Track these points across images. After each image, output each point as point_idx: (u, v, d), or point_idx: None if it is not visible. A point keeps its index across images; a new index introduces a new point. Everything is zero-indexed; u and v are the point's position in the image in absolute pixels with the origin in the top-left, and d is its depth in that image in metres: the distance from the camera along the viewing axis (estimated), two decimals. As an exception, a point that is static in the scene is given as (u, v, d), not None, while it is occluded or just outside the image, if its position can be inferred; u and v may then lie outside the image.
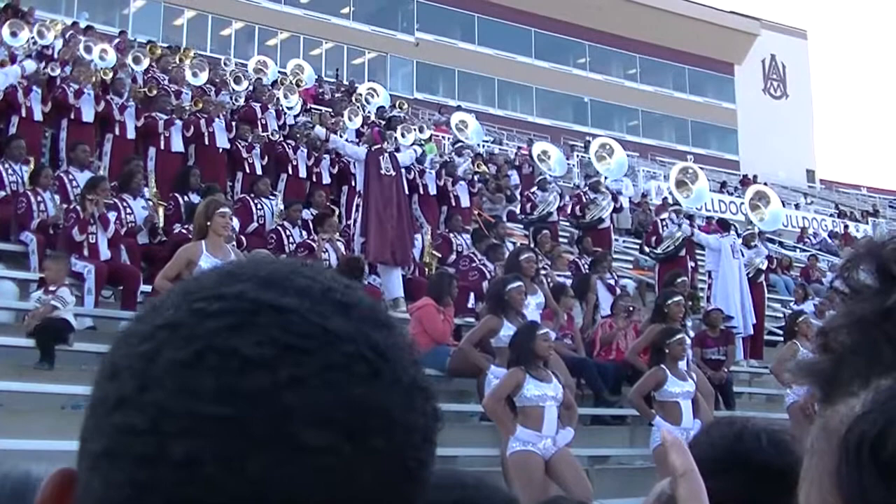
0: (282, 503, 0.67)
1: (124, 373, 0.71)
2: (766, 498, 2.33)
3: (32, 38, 14.68)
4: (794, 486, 2.50)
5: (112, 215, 10.71)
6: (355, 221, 12.94)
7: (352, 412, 0.69)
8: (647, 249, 16.12)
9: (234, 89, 17.88)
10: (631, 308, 12.39)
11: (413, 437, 0.72)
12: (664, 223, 15.73)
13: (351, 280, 0.79)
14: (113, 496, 0.68)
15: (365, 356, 0.71)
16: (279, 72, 20.20)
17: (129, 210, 11.64)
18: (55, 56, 15.24)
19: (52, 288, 9.04)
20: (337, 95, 22.97)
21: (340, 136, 17.22)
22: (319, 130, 15.34)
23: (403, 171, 14.90)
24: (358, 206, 13.06)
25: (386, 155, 13.16)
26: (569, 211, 18.66)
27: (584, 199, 17.62)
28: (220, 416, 0.67)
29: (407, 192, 13.93)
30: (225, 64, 19.72)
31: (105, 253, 10.48)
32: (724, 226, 16.30)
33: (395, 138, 14.78)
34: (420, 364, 0.76)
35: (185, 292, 0.74)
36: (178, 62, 17.75)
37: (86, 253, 10.27)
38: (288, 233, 12.72)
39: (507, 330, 8.74)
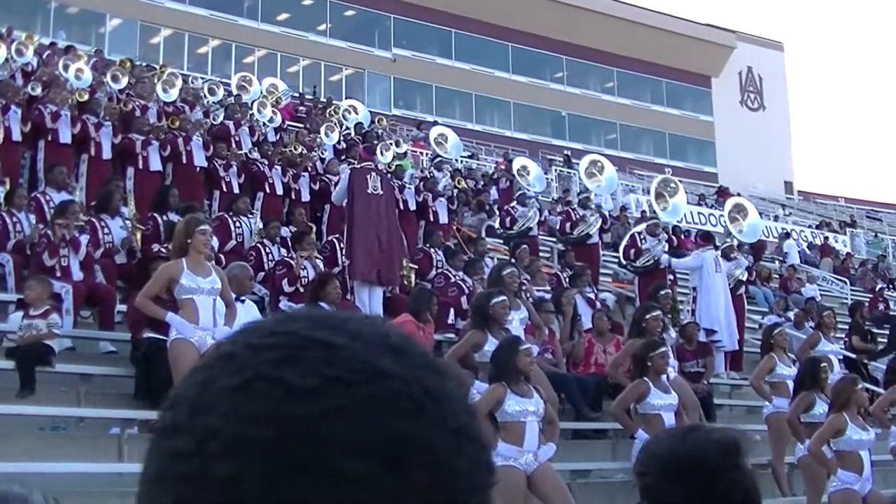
0: None
1: (181, 401, 0.75)
2: (704, 495, 2.36)
3: (10, 56, 14.59)
4: (732, 485, 2.49)
5: (84, 238, 10.54)
6: (344, 243, 12.73)
7: (392, 444, 0.70)
8: (624, 262, 16.05)
9: (209, 101, 17.78)
10: (612, 324, 12.40)
11: (460, 481, 0.74)
12: (641, 237, 15.66)
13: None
14: None
15: (412, 394, 0.73)
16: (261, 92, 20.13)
17: (107, 230, 11.55)
18: (34, 74, 15.13)
19: (33, 312, 8.86)
20: (316, 111, 22.91)
21: (320, 152, 17.22)
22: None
23: (396, 189, 14.83)
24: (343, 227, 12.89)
25: (374, 174, 13.04)
26: (557, 227, 18.69)
27: (574, 216, 17.67)
28: (262, 439, 0.70)
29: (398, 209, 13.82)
30: (192, 82, 19.61)
31: (77, 275, 10.26)
32: (706, 239, 16.10)
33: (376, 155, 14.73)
34: (474, 416, 0.78)
35: (244, 331, 0.79)
36: (151, 79, 17.56)
37: (58, 275, 10.02)
38: (267, 250, 12.67)
39: (492, 345, 8.68)
